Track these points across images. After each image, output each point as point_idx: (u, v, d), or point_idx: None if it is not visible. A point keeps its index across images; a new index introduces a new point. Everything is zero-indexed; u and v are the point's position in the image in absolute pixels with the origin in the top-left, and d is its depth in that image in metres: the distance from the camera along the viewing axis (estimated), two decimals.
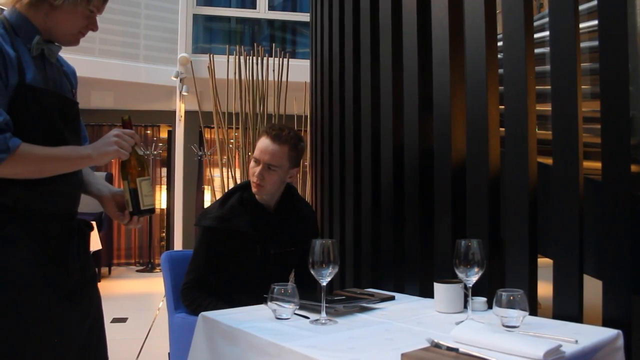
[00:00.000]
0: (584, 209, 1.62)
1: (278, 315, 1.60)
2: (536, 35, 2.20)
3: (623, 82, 1.50)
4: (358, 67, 2.73)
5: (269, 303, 1.59)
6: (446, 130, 2.04)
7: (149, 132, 9.20)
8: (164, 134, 9.23)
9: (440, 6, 2.08)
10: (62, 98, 1.52)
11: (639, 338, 1.49)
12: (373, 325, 1.54)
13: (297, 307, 1.60)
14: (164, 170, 9.34)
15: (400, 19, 2.32)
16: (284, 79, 5.50)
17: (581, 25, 1.82)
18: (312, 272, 1.52)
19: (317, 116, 3.59)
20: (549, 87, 1.70)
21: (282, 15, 8.49)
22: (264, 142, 2.11)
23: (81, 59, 6.01)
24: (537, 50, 1.97)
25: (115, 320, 4.91)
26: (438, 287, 1.73)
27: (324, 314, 1.55)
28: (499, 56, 1.95)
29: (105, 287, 6.75)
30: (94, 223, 5.84)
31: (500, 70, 1.89)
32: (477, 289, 1.63)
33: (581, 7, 2.11)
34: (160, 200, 9.20)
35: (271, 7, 8.37)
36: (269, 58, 5.46)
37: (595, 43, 1.64)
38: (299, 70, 5.61)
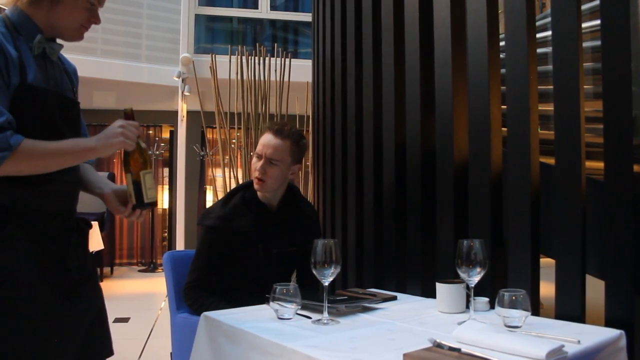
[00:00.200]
0: (587, 209, 1.62)
1: (280, 315, 1.60)
2: (538, 35, 2.19)
3: (625, 81, 1.50)
4: (360, 67, 2.73)
5: (271, 303, 1.59)
6: (448, 130, 2.04)
7: (151, 132, 9.21)
8: (166, 134, 9.23)
9: (442, 6, 2.08)
10: (63, 97, 1.52)
11: None
12: (375, 325, 1.54)
13: (299, 307, 1.60)
14: (166, 170, 9.35)
15: (403, 18, 2.32)
16: (286, 79, 5.51)
17: (583, 25, 1.82)
18: (314, 272, 1.52)
19: (319, 116, 3.60)
20: (552, 86, 1.70)
21: (284, 15, 8.50)
22: (266, 137, 2.12)
23: (83, 59, 6.01)
24: (539, 50, 1.96)
25: (118, 320, 4.91)
26: (440, 287, 1.73)
27: (326, 314, 1.55)
28: (501, 56, 1.95)
29: (108, 287, 6.76)
30: (95, 223, 5.86)
31: (503, 70, 1.89)
32: (479, 289, 1.63)
33: (583, 7, 2.11)
34: (163, 201, 9.21)
35: (273, 7, 8.37)
36: (271, 58, 5.46)
37: (598, 43, 1.63)
38: (301, 70, 5.61)
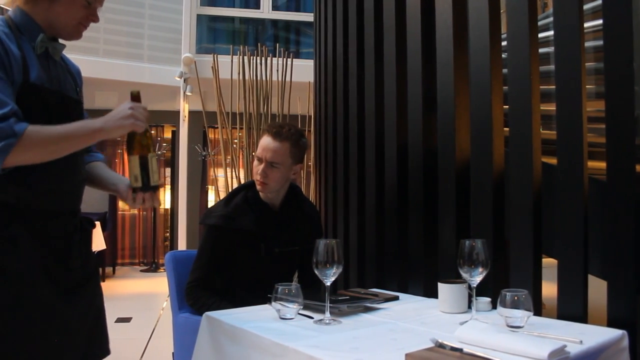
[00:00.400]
0: (589, 209, 1.62)
1: (282, 315, 1.60)
2: (540, 35, 2.19)
3: (628, 81, 1.49)
4: (362, 67, 2.73)
5: (272, 303, 1.59)
6: (450, 130, 2.04)
7: (153, 132, 9.21)
8: (167, 134, 9.24)
9: (444, 6, 2.08)
10: (65, 97, 1.53)
11: None
12: (377, 325, 1.54)
13: (301, 307, 1.60)
14: (168, 171, 9.35)
15: (404, 19, 2.32)
16: (287, 79, 5.51)
17: (586, 25, 1.82)
18: (316, 272, 1.52)
19: (321, 116, 3.60)
20: (554, 86, 1.69)
21: (286, 15, 8.49)
22: (265, 140, 2.12)
23: (85, 59, 6.01)
24: (541, 50, 1.96)
25: (120, 320, 4.92)
26: (442, 287, 1.73)
27: (327, 314, 1.56)
28: (503, 56, 1.95)
29: (109, 287, 6.77)
30: (97, 223, 5.86)
31: (505, 70, 1.89)
32: (481, 289, 1.63)
33: (586, 7, 2.10)
34: (165, 201, 9.21)
35: (275, 7, 8.37)
36: (273, 58, 5.46)
37: (600, 42, 1.63)
38: (303, 70, 5.61)
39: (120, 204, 9.21)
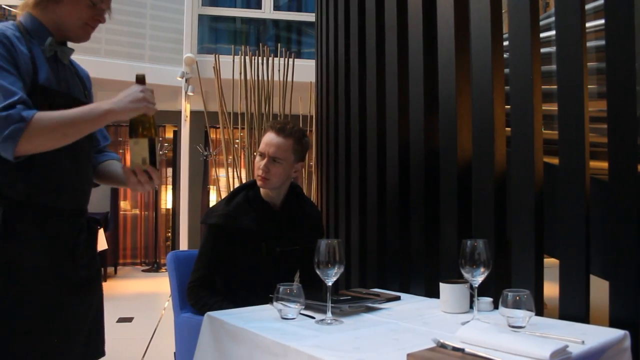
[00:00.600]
0: (591, 209, 1.62)
1: (284, 315, 1.60)
2: (542, 35, 2.19)
3: (630, 81, 1.49)
4: (363, 67, 2.73)
5: (274, 303, 1.59)
6: (452, 130, 2.04)
7: None
8: (169, 134, 9.25)
9: (445, 6, 2.08)
10: (73, 99, 1.55)
11: None
12: (379, 325, 1.54)
13: (303, 307, 1.60)
14: (170, 170, 9.36)
15: (406, 18, 2.32)
16: (289, 79, 5.51)
17: (587, 25, 1.82)
18: (318, 272, 1.52)
19: (323, 116, 3.59)
20: (555, 86, 1.69)
21: (288, 16, 8.50)
22: (268, 136, 2.13)
23: (87, 60, 6.01)
24: (543, 50, 1.96)
25: (121, 320, 4.92)
26: (444, 287, 1.72)
27: (329, 314, 1.56)
28: (504, 56, 1.95)
29: (111, 287, 6.78)
30: None
31: (506, 70, 1.89)
32: (483, 289, 1.63)
33: (587, 6, 2.10)
34: (166, 200, 9.22)
35: (276, 7, 8.38)
36: (275, 58, 5.46)
37: (602, 42, 1.63)
38: (305, 70, 5.61)
39: (122, 204, 9.22)
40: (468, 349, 1.18)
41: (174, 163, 8.96)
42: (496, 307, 1.62)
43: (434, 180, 2.13)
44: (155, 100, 1.49)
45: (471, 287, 1.57)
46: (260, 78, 5.31)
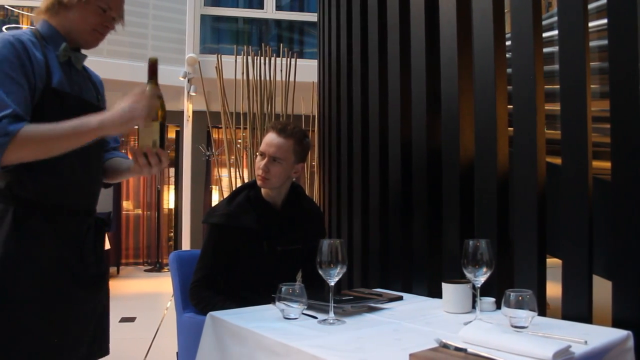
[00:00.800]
0: (593, 209, 1.61)
1: (286, 315, 1.60)
2: (545, 34, 2.19)
3: (632, 80, 1.49)
4: (366, 66, 2.73)
5: (277, 303, 1.59)
6: (454, 130, 2.03)
7: None
8: (171, 134, 9.26)
9: (448, 5, 2.08)
10: (85, 103, 1.61)
11: None
12: (381, 325, 1.54)
13: (305, 307, 1.60)
14: (172, 171, 9.37)
15: (408, 18, 2.32)
16: (291, 79, 5.50)
17: (590, 24, 1.81)
18: (320, 272, 1.52)
19: (325, 116, 3.59)
20: (558, 86, 1.69)
21: (290, 15, 8.50)
22: (269, 137, 2.15)
23: (90, 60, 6.03)
24: (545, 50, 1.96)
25: (124, 320, 4.93)
26: (446, 287, 1.72)
27: (332, 314, 1.55)
28: (507, 55, 1.94)
29: (114, 287, 6.78)
30: None
31: (509, 70, 1.89)
32: (486, 289, 1.62)
33: (590, 6, 2.10)
34: (169, 200, 9.23)
35: (279, 7, 8.38)
36: (277, 58, 5.46)
37: (605, 42, 1.63)
38: (307, 70, 5.61)
39: (125, 204, 9.23)
40: (470, 349, 1.18)
41: (177, 163, 8.98)
42: (499, 307, 1.62)
43: (437, 180, 2.12)
44: (145, 109, 1.46)
45: (474, 287, 1.57)
46: (262, 78, 5.31)
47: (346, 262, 1.53)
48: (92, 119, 1.43)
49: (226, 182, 5.95)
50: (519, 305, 1.37)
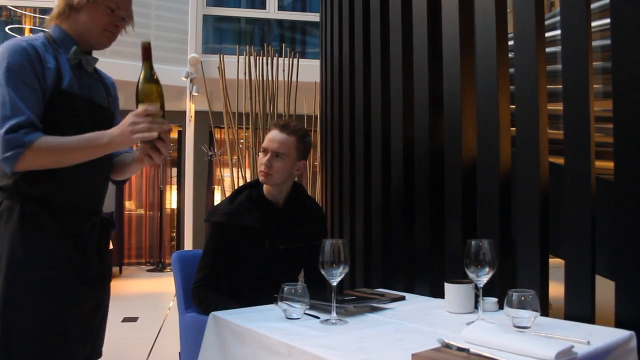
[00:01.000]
0: (596, 209, 1.61)
1: (288, 315, 1.60)
2: (547, 34, 2.18)
3: (636, 80, 1.48)
4: (368, 66, 2.73)
5: (279, 303, 1.60)
6: (457, 130, 2.03)
7: None
8: (174, 134, 9.26)
9: (450, 5, 2.08)
10: (94, 104, 1.65)
11: None
12: (383, 325, 1.54)
13: (308, 307, 1.60)
14: (174, 171, 9.38)
15: (411, 18, 2.32)
16: (293, 79, 5.51)
17: (593, 24, 1.81)
18: (322, 272, 1.52)
19: (327, 116, 3.60)
20: (561, 86, 1.69)
21: (292, 16, 8.50)
22: (272, 133, 2.17)
23: None
24: (548, 49, 1.96)
25: (126, 320, 4.93)
26: (449, 288, 1.72)
27: (334, 314, 1.55)
28: (509, 55, 1.94)
29: (116, 287, 6.79)
30: None
31: (511, 70, 1.89)
32: (488, 289, 1.62)
33: (593, 5, 2.10)
34: (171, 200, 9.24)
35: (281, 8, 8.38)
36: (279, 58, 5.47)
37: (608, 41, 1.62)
38: (309, 70, 5.61)
39: (127, 204, 9.24)
40: (473, 349, 1.18)
41: (179, 163, 8.98)
42: (501, 307, 1.62)
43: (439, 180, 2.12)
44: (147, 125, 1.47)
45: (476, 287, 1.57)
46: (264, 78, 5.32)
47: (348, 262, 1.53)
48: (103, 136, 1.49)
49: (228, 182, 5.96)
50: (522, 306, 1.37)
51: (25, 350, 1.44)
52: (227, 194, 5.64)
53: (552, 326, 1.46)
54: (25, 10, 7.81)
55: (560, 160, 1.74)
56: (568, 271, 1.64)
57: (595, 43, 2.07)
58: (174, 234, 9.32)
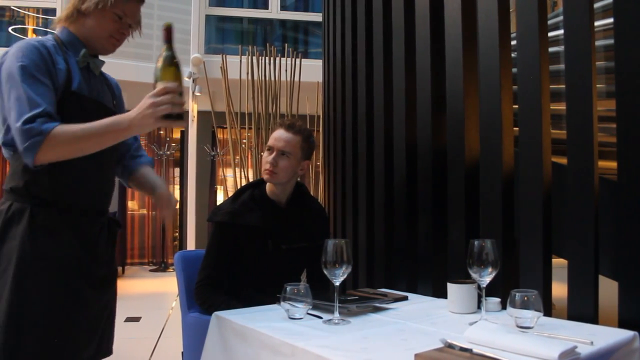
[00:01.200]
0: (599, 209, 1.61)
1: (291, 315, 1.60)
2: (550, 34, 2.18)
3: (638, 80, 1.48)
4: (371, 67, 2.73)
5: (282, 303, 1.60)
6: (459, 130, 2.03)
7: (162, 132, 9.25)
8: (176, 134, 9.28)
9: (453, 5, 2.08)
10: (102, 106, 1.67)
11: None
12: (386, 325, 1.54)
13: (310, 306, 1.60)
14: (177, 171, 9.39)
15: (413, 18, 2.32)
16: (296, 79, 5.51)
17: (596, 23, 1.81)
18: (325, 272, 1.52)
19: (330, 116, 3.60)
20: (564, 86, 1.68)
21: (294, 16, 8.50)
22: (278, 132, 2.18)
23: None
24: (551, 49, 1.95)
25: (129, 320, 4.94)
26: (451, 288, 1.72)
27: (337, 314, 1.55)
28: (512, 55, 1.94)
29: (119, 287, 6.76)
30: None
31: (514, 69, 1.88)
32: (491, 290, 1.62)
33: (596, 5, 2.09)
34: None
35: (283, 7, 8.39)
36: (282, 58, 5.47)
37: (611, 41, 1.62)
38: (312, 70, 5.62)
39: (130, 204, 9.25)
40: (476, 350, 1.18)
41: (182, 163, 8.99)
42: (504, 307, 1.61)
43: (442, 180, 2.12)
44: (167, 100, 1.43)
45: (479, 287, 1.56)
46: (267, 78, 5.32)
47: (351, 262, 1.53)
48: (123, 120, 1.47)
49: (231, 182, 5.97)
50: (525, 306, 1.37)
51: (32, 349, 1.46)
52: (230, 194, 5.65)
53: (555, 326, 1.46)
54: (28, 11, 7.83)
55: (563, 160, 1.73)
56: (571, 271, 1.64)
57: (598, 42, 2.06)
58: (177, 234, 9.33)
